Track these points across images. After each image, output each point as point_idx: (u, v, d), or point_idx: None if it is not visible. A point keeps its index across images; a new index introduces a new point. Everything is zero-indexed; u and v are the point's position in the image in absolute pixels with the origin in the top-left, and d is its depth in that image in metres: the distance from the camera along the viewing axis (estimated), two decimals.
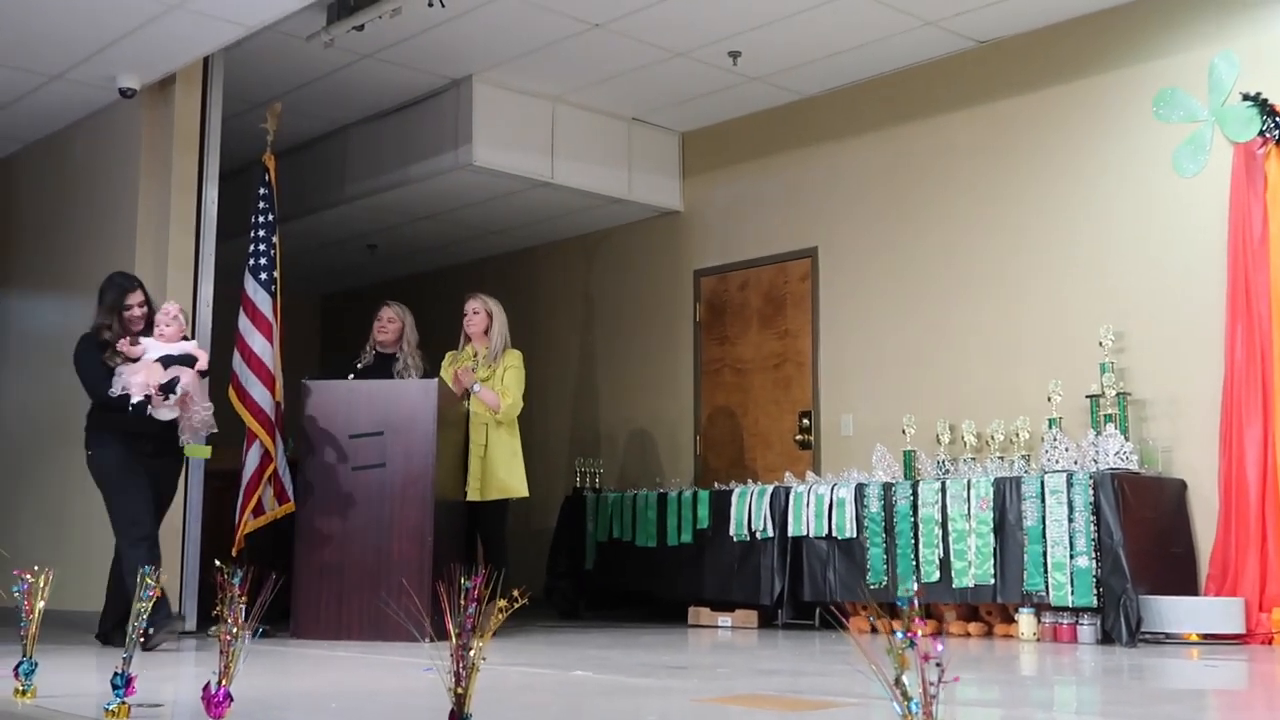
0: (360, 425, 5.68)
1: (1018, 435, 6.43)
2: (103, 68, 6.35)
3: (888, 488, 6.33)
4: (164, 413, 5.24)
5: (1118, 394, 6.17)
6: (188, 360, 5.34)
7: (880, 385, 7.34)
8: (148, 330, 5.43)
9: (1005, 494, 5.91)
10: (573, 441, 9.03)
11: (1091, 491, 5.64)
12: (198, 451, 5.62)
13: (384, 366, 6.47)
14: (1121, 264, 6.47)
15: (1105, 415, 6.16)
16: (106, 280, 5.51)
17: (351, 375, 6.32)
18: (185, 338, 5.46)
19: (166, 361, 5.30)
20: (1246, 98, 6.01)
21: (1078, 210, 6.67)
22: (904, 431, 6.84)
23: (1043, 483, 5.80)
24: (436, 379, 5.89)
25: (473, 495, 6.38)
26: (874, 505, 6.32)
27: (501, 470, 6.37)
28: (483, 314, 6.60)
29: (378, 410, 5.69)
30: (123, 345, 5.31)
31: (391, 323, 6.56)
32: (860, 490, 6.41)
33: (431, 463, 5.60)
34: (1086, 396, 6.28)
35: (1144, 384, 6.28)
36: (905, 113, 7.41)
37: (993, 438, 6.54)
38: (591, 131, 8.11)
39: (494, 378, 6.44)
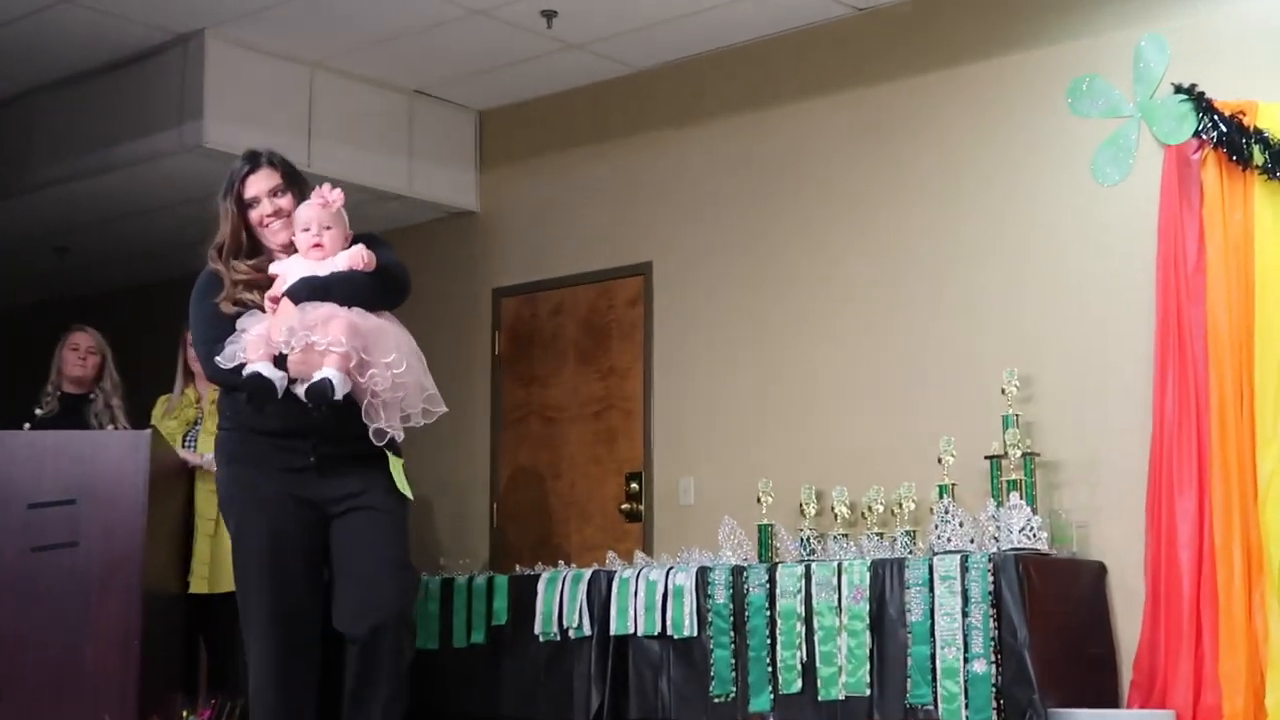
0: (43, 491, 5.53)
1: (900, 506, 6.45)
2: None
3: (738, 573, 6.31)
4: (341, 383, 4.19)
5: (1024, 455, 6.23)
6: (349, 286, 4.27)
7: (729, 441, 7.35)
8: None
9: (885, 580, 5.93)
10: None
11: (991, 578, 5.67)
12: (402, 477, 4.44)
13: (75, 412, 6.37)
14: (1029, 292, 6.58)
15: (1008, 481, 6.21)
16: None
17: (28, 425, 6.16)
18: (352, 241, 4.40)
19: (305, 293, 4.21)
20: (1179, 90, 6.18)
21: (975, 223, 6.79)
22: (759, 500, 6.83)
23: (931, 566, 5.82)
24: (149, 430, 5.77)
25: (198, 586, 6.31)
26: (720, 595, 6.31)
27: None
28: None
29: (67, 471, 5.56)
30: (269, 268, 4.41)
31: (91, 355, 6.50)
32: (703, 576, 6.38)
33: (141, 542, 5.50)
34: (986, 458, 6.33)
35: (1056, 442, 6.38)
36: (764, 94, 7.46)
37: (870, 509, 6.56)
38: (361, 107, 8.03)
39: None
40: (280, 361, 4.23)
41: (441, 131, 8.40)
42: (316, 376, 4.16)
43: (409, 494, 4.36)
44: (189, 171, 7.81)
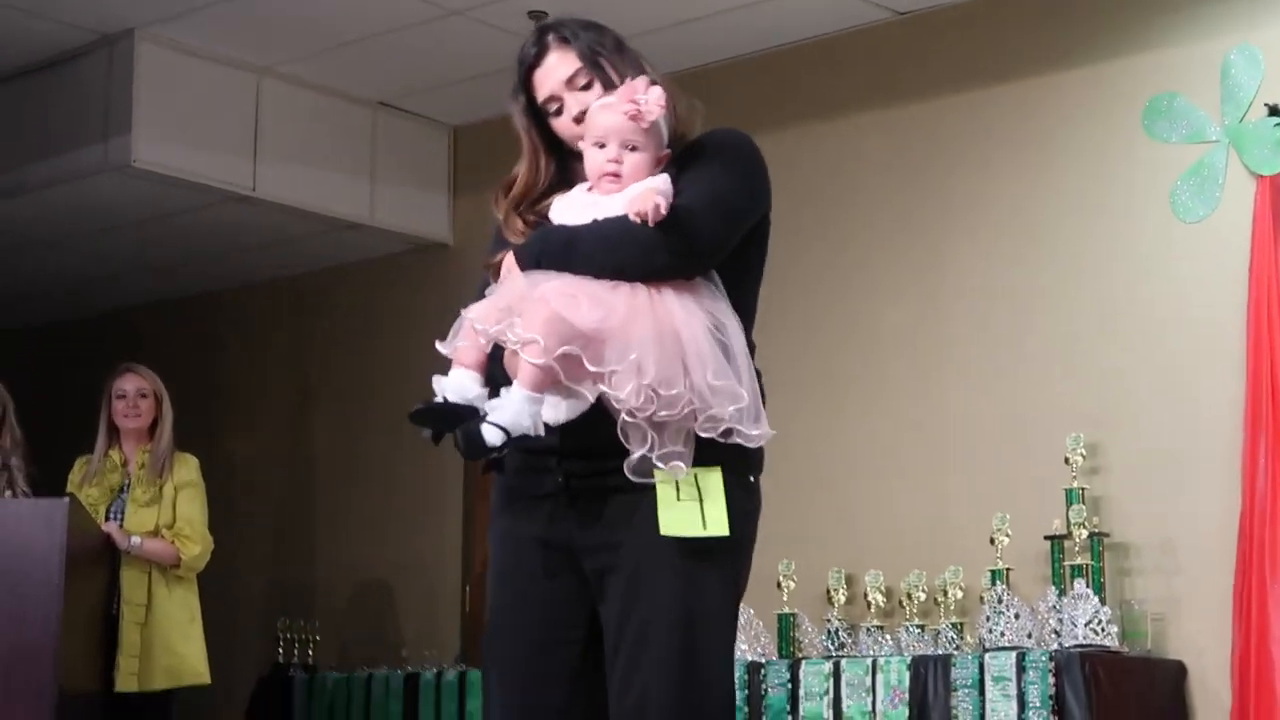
0: None
1: (945, 593, 6.40)
2: None
3: (754, 670, 6.30)
4: (557, 407, 3.20)
5: (1091, 535, 6.20)
6: (602, 245, 3.24)
7: None
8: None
9: (928, 681, 5.92)
10: (271, 594, 8.87)
11: (1052, 679, 5.67)
12: (680, 518, 3.21)
13: None
14: (1097, 346, 6.56)
15: (1073, 566, 6.17)
16: None
17: None
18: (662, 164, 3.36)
19: (535, 253, 3.29)
20: (1274, 112, 6.20)
21: (1031, 265, 6.76)
22: (779, 585, 6.79)
23: (982, 664, 5.82)
24: (66, 499, 5.72)
25: (125, 684, 6.29)
26: (736, 694, 6.29)
27: (177, 642, 6.39)
28: (150, 398, 6.65)
29: None
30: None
31: None
32: None
33: (55, 632, 5.41)
34: (1046, 538, 6.31)
35: (1127, 522, 6.37)
36: (783, 111, 7.43)
37: (909, 596, 6.53)
38: (316, 122, 8.06)
39: (160, 503, 6.48)
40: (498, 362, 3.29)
41: (409, 151, 8.41)
42: (462, 395, 3.25)
43: (724, 530, 3.21)
44: (115, 194, 7.85)
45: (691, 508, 3.20)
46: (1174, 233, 6.42)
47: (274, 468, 9.20)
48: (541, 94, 3.43)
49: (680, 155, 3.36)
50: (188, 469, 6.72)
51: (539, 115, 3.45)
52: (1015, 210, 6.85)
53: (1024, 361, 6.73)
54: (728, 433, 3.17)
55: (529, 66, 3.45)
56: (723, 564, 3.23)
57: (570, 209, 3.35)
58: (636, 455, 3.15)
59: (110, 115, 7.51)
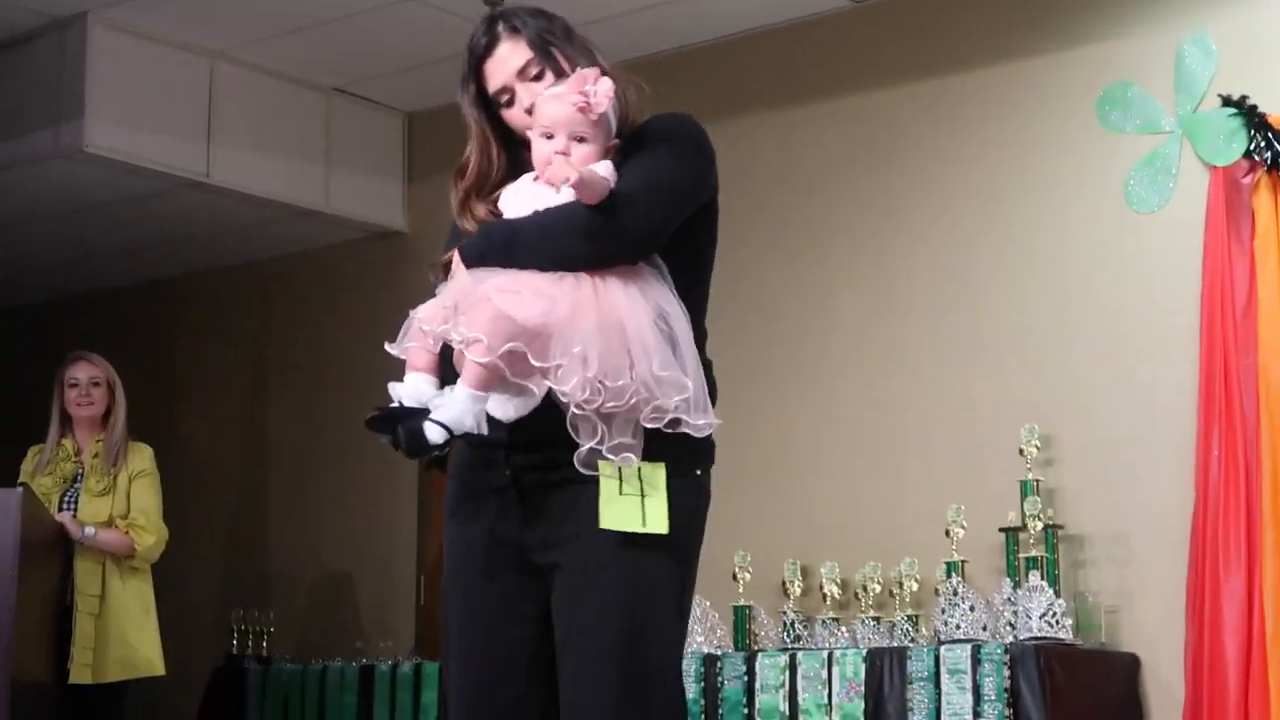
0: None
1: (901, 585, 6.43)
2: None
3: (710, 662, 6.32)
4: (505, 404, 3.25)
5: (1045, 527, 6.22)
6: (542, 236, 3.25)
7: None
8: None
9: (884, 672, 5.96)
10: (225, 585, 8.85)
11: (1007, 671, 5.71)
12: (620, 512, 3.22)
13: None
14: (1051, 337, 6.59)
15: (1027, 558, 6.20)
16: None
17: None
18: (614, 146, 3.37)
19: (478, 250, 3.28)
20: (1228, 102, 6.22)
21: (986, 255, 6.80)
22: (735, 577, 6.79)
23: (937, 657, 5.86)
24: (19, 489, 5.78)
25: (79, 676, 6.29)
26: (689, 689, 6.25)
27: (131, 634, 6.41)
28: (103, 386, 6.65)
29: None
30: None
31: None
32: None
33: (8, 622, 5.44)
34: (1001, 530, 6.33)
35: (1082, 513, 6.40)
36: (742, 99, 7.45)
37: (865, 588, 6.54)
38: (270, 107, 8.04)
39: (114, 492, 6.49)
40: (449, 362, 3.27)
41: (364, 136, 8.40)
42: (418, 399, 3.23)
43: (662, 529, 3.20)
44: (66, 180, 7.83)
45: (633, 502, 3.20)
46: (1127, 223, 6.44)
47: (229, 457, 9.17)
48: (493, 85, 3.42)
49: (626, 142, 3.35)
50: (142, 458, 6.70)
51: (489, 105, 3.44)
52: (969, 199, 6.87)
53: (978, 352, 6.75)
54: (674, 423, 3.15)
55: (479, 57, 3.43)
56: (669, 560, 3.23)
57: (518, 198, 3.33)
58: (586, 447, 3.15)
59: (62, 100, 7.46)
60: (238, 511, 9.06)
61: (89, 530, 6.40)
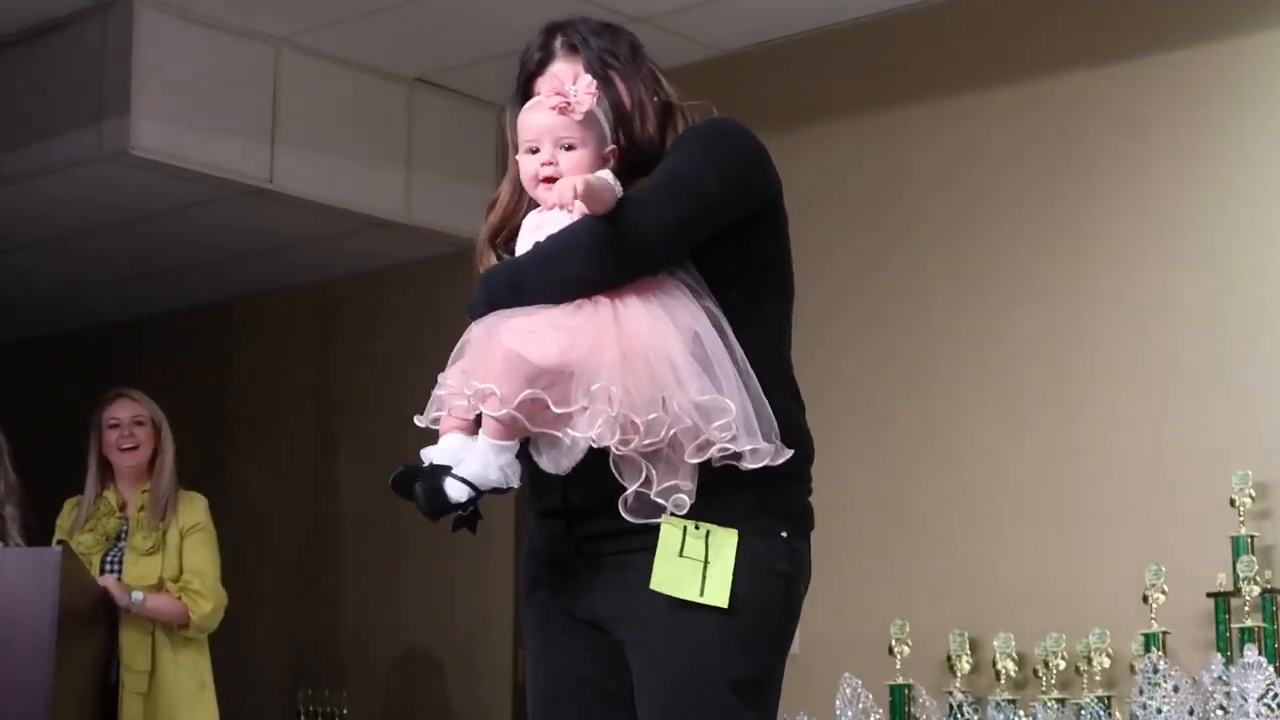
0: None
1: (1090, 661, 6.31)
2: None
3: None
4: (551, 456, 3.25)
5: (1263, 592, 6.04)
6: (548, 266, 3.29)
7: (849, 568, 7.10)
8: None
9: None
10: (292, 659, 9.01)
11: None
12: (676, 574, 3.22)
13: None
14: (1262, 371, 6.41)
15: (1241, 629, 6.03)
16: None
17: None
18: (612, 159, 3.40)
19: (485, 294, 3.30)
20: None
21: (1190, 272, 6.60)
22: (892, 650, 6.73)
23: None
24: (58, 547, 5.84)
25: None
26: None
27: (185, 715, 6.43)
28: (147, 426, 6.61)
29: None
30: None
31: None
32: None
33: (46, 702, 5.44)
34: (1209, 595, 6.15)
35: None
36: (890, 90, 7.42)
37: (1046, 664, 6.41)
38: (343, 101, 8.05)
39: (163, 551, 6.49)
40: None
41: (452, 136, 8.34)
42: (444, 459, 3.25)
43: (721, 602, 3.19)
44: (107, 187, 7.84)
45: (693, 567, 3.19)
46: None
47: (294, 511, 9.26)
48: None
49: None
50: (195, 510, 6.64)
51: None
52: (1171, 204, 6.73)
53: (1181, 386, 6.61)
54: (734, 457, 3.12)
55: (530, 73, 3.45)
56: (733, 638, 3.18)
57: (524, 238, 3.35)
58: (631, 491, 3.13)
59: (104, 94, 7.50)
60: (305, 574, 9.17)
61: (136, 596, 6.31)
